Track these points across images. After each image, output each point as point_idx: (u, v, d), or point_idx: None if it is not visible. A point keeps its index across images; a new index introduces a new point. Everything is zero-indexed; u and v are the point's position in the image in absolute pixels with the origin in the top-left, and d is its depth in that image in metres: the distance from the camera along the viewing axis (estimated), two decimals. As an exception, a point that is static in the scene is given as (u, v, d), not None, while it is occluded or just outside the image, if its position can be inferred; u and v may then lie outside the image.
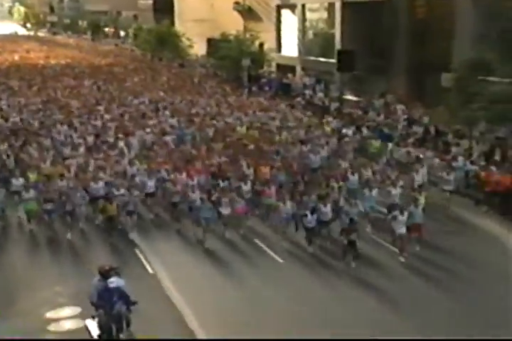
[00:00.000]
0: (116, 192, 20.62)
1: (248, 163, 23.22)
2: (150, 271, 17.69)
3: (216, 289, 16.56)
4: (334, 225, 19.09)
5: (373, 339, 13.58)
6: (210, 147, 26.44)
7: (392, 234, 18.38)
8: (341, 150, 26.35)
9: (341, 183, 21.59)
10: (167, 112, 34.75)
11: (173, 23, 72.65)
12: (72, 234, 20.11)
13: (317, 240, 19.03)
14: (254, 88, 45.78)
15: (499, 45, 30.58)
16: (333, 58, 41.07)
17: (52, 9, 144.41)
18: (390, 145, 27.55)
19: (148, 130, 29.60)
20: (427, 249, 18.68)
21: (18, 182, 21.93)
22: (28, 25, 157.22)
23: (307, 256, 18.58)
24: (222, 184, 21.50)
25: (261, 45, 49.81)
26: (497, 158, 24.21)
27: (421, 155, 24.98)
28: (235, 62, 47.41)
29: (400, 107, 33.68)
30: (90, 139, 28.31)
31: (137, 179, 22.09)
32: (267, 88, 45.71)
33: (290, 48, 52.51)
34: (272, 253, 18.79)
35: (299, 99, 40.67)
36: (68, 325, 14.66)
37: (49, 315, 15.13)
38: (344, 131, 30.26)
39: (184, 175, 22.19)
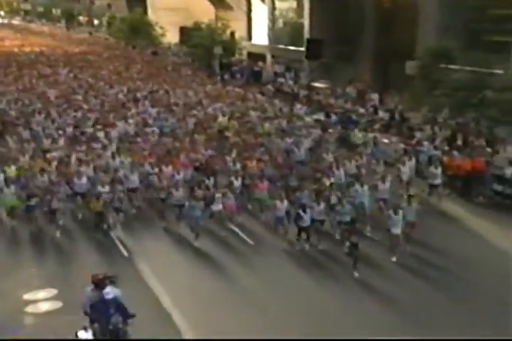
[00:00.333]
0: (101, 189, 19.34)
1: (234, 158, 22.15)
2: (140, 271, 16.53)
3: (207, 290, 15.52)
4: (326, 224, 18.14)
5: (373, 339, 12.80)
6: (193, 139, 25.19)
7: (387, 233, 17.01)
8: (324, 142, 25.57)
9: (332, 180, 20.27)
10: (146, 102, 33.49)
11: (145, 12, 71.97)
12: (57, 232, 18.89)
13: (311, 239, 17.73)
14: (226, 76, 45.73)
15: (461, 35, 30.96)
16: (302, 46, 41.27)
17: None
18: (371, 135, 26.36)
19: (130, 121, 28.35)
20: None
21: None
22: (2, 13, 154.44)
23: (302, 255, 17.41)
24: (207, 180, 20.43)
25: (232, 33, 49.68)
26: (459, 143, 24.50)
27: (402, 146, 24.98)
28: (207, 50, 47.27)
29: (374, 96, 33.58)
30: (69, 130, 27.12)
31: (121, 173, 20.95)
32: (238, 76, 45.68)
33: (260, 37, 52.54)
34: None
35: (269, 86, 40.73)
36: (45, 307, 14.67)
37: (26, 296, 15.10)
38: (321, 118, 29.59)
39: (170, 168, 21.13)
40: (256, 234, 18.92)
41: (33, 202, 19.13)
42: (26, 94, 35.74)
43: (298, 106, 33.54)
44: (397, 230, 16.73)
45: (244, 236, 18.72)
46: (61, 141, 25.24)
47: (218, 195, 18.97)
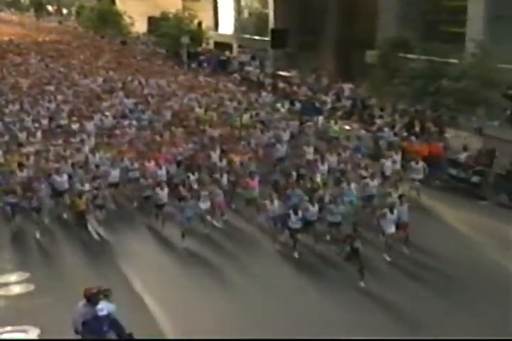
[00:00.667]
0: (80, 187, 18.11)
1: (220, 154, 20.81)
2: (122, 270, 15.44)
3: (196, 293, 14.30)
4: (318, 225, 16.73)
5: (373, 339, 12.11)
6: (172, 132, 23.79)
7: (381, 233, 16.04)
8: (303, 135, 24.59)
9: (318, 176, 18.98)
10: (121, 93, 32.06)
11: (114, 2, 71.15)
12: (37, 232, 17.59)
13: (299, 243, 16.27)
14: (193, 65, 45.62)
15: (419, 26, 31.31)
16: (267, 36, 41.42)
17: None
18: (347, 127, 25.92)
19: (107, 113, 26.95)
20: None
21: None
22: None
23: (295, 257, 16.13)
24: (192, 176, 19.16)
25: (199, 23, 49.45)
26: (417, 129, 24.88)
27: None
28: (175, 39, 46.99)
29: (347, 86, 33.15)
30: (45, 122, 25.83)
31: (101, 169, 19.81)
32: (205, 64, 45.59)
33: (227, 27, 52.41)
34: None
35: (235, 74, 40.76)
36: (17, 290, 14.60)
37: (-1, 280, 14.99)
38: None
39: (152, 163, 19.94)
40: (246, 233, 17.76)
41: (13, 199, 17.81)
42: (-3, 84, 34.49)
43: (264, 93, 33.67)
44: (391, 230, 15.78)
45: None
46: (38, 134, 24.00)
47: (205, 193, 17.60)
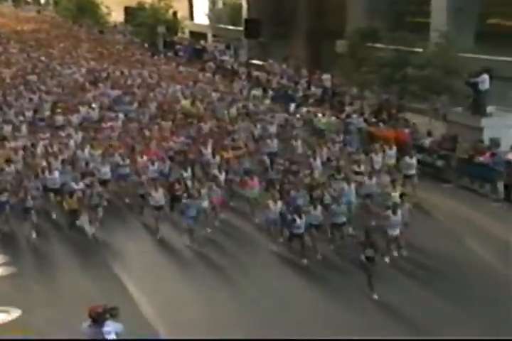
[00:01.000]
0: (75, 186, 17.02)
1: (213, 149, 19.54)
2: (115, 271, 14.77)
3: (192, 298, 13.59)
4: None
5: (372, 339, 11.74)
6: (160, 126, 22.60)
7: (383, 235, 14.64)
8: (291, 128, 23.32)
9: (324, 178, 17.55)
10: (105, 84, 30.69)
11: (91, -8, 70.21)
12: (33, 233, 16.57)
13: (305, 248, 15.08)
14: (169, 53, 45.38)
15: (386, 16, 31.44)
16: (240, 26, 41.21)
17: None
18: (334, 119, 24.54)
19: (93, 105, 25.68)
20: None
21: None
22: None
23: (295, 258, 15.19)
24: (185, 174, 18.11)
25: (175, 13, 49.06)
26: (384, 116, 25.09)
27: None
28: (151, 29, 46.73)
29: (326, 77, 32.30)
30: (29, 115, 24.54)
31: (91, 166, 18.75)
32: (181, 53, 45.36)
33: (202, 17, 52.07)
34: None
35: (210, 63, 40.62)
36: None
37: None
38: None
39: (145, 159, 18.81)
40: (244, 233, 16.85)
41: (4, 197, 16.59)
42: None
43: (238, 81, 33.67)
44: (395, 231, 14.49)
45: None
46: (23, 128, 22.84)
47: (204, 191, 16.43)
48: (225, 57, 42.30)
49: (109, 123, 23.31)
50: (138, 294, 13.56)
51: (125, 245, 16.31)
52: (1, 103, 26.78)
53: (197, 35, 50.40)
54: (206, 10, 51.02)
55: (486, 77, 20.84)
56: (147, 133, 22.02)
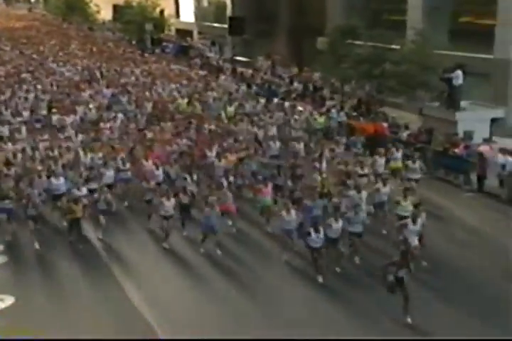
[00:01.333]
0: (78, 193, 15.45)
1: (218, 151, 18.20)
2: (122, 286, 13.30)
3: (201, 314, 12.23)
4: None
5: (372, 339, 11.22)
6: (162, 128, 21.08)
7: (401, 245, 13.10)
8: (289, 129, 21.74)
9: (340, 187, 15.98)
10: (100, 83, 29.46)
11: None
12: (36, 243, 15.05)
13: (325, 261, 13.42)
14: (157, 50, 45.16)
15: (365, 14, 31.44)
16: (225, 24, 41.01)
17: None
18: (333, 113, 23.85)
19: (91, 106, 24.39)
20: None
21: None
22: None
23: (307, 267, 13.68)
24: (189, 178, 16.51)
25: (161, 11, 48.83)
26: (363, 110, 25.16)
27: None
28: (139, 26, 46.55)
29: (315, 75, 31.88)
30: (26, 115, 23.27)
31: (95, 170, 17.12)
32: (168, 50, 45.17)
33: (188, 15, 51.85)
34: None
35: (196, 59, 40.47)
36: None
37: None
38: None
39: (150, 163, 17.36)
40: (256, 240, 15.37)
41: (7, 204, 15.10)
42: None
43: (223, 77, 33.58)
44: (413, 242, 13.15)
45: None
46: (23, 130, 21.31)
47: (213, 198, 14.82)
48: (211, 54, 42.19)
49: (108, 124, 21.97)
50: (144, 304, 12.56)
51: (126, 247, 15.15)
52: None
53: (183, 33, 50.22)
54: (192, 8, 50.78)
55: (459, 72, 20.94)
56: (149, 134, 20.59)
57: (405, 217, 13.93)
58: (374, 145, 21.47)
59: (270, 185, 15.87)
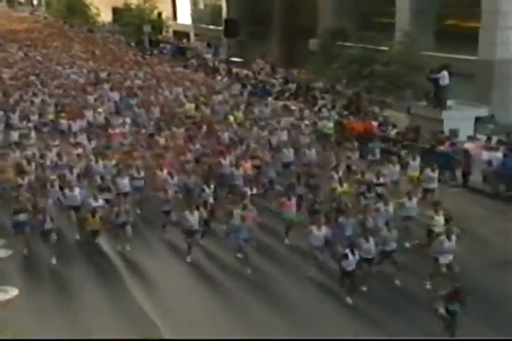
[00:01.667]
0: (94, 203, 14.50)
1: (236, 159, 16.92)
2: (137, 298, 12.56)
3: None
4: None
5: (373, 339, 10.90)
6: (172, 133, 19.69)
7: (434, 264, 12.36)
8: (299, 136, 20.29)
9: (361, 199, 14.87)
10: (107, 86, 27.97)
11: (81, -7, 69.33)
12: (53, 258, 14.04)
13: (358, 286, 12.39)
14: (155, 51, 45.12)
15: (355, 16, 31.54)
16: (220, 26, 40.98)
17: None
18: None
19: (99, 110, 23.19)
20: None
21: None
22: None
23: (331, 282, 12.74)
24: (207, 190, 15.27)
25: (159, 13, 48.82)
26: (353, 109, 25.21)
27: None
28: (137, 28, 46.54)
29: (304, 76, 31.85)
30: (35, 118, 22.21)
31: (110, 179, 16.15)
32: (165, 51, 45.13)
33: (184, 17, 51.82)
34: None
35: (192, 60, 40.45)
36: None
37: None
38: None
39: (165, 172, 16.10)
40: (277, 253, 14.41)
41: (23, 217, 14.06)
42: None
43: (218, 77, 33.56)
44: (446, 259, 12.20)
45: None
46: (33, 135, 20.20)
47: (237, 211, 13.69)
48: (207, 55, 42.16)
49: (117, 130, 20.68)
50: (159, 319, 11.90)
51: (148, 265, 14.09)
52: (3, 105, 24.60)
53: (180, 34, 50.18)
54: (189, 11, 50.77)
55: (445, 73, 20.99)
56: (161, 140, 19.25)
57: (434, 232, 13.09)
58: (364, 144, 21.57)
59: (294, 199, 14.57)
